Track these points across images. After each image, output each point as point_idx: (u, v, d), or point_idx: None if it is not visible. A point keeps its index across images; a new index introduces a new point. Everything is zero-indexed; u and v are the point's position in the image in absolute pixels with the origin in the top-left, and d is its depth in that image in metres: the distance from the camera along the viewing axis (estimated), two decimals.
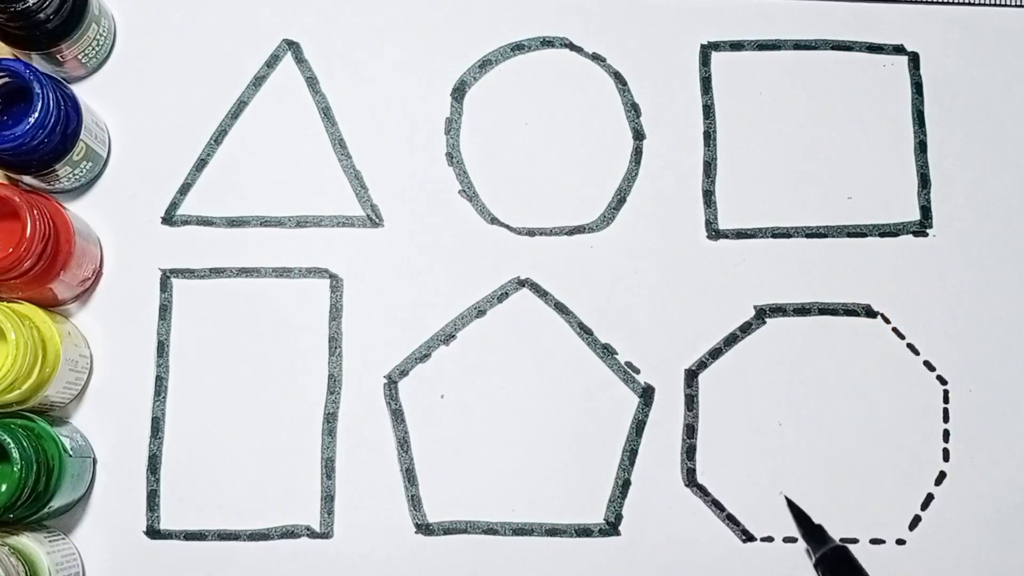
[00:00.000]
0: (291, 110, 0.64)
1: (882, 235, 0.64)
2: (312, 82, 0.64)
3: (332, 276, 0.63)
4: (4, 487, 0.55)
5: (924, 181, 0.64)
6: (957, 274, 0.63)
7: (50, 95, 0.57)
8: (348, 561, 0.60)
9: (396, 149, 0.64)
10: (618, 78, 0.65)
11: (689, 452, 0.61)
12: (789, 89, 0.65)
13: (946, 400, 0.62)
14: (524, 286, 0.63)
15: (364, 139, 0.64)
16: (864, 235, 0.64)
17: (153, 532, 0.60)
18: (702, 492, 0.61)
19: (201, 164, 0.63)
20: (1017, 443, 0.62)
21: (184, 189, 0.63)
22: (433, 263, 0.63)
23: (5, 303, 0.57)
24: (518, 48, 0.65)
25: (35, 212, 0.56)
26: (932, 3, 0.66)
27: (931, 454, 0.62)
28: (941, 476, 0.61)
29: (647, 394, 0.62)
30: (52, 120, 0.57)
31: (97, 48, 0.62)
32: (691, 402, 0.62)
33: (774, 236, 0.63)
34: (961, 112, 0.65)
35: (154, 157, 0.63)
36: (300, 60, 0.64)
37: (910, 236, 0.64)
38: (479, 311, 0.62)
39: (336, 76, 0.64)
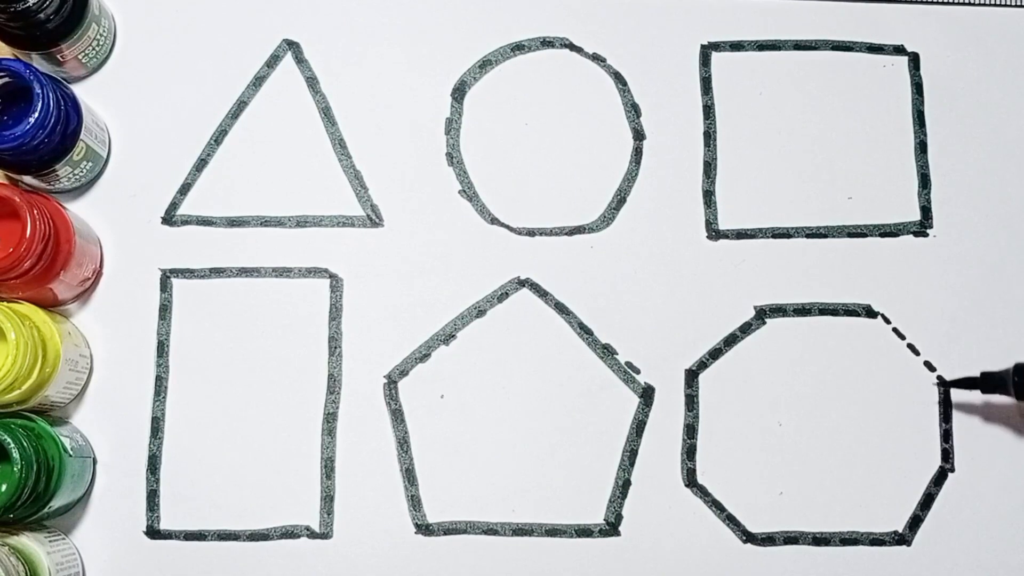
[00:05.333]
0: (291, 110, 0.64)
1: (882, 235, 0.64)
2: (312, 82, 0.64)
3: (332, 276, 0.63)
4: (4, 487, 0.55)
5: (924, 181, 0.64)
6: (957, 274, 0.63)
7: (50, 95, 0.57)
8: (348, 561, 0.60)
9: (396, 149, 0.64)
10: (618, 78, 0.65)
11: (689, 452, 0.61)
12: (789, 89, 0.65)
13: (946, 400, 0.62)
14: (524, 286, 0.63)
15: (364, 139, 0.64)
16: (864, 235, 0.63)
17: (153, 532, 0.60)
18: (702, 492, 0.61)
19: (201, 164, 0.63)
20: (1017, 443, 0.62)
21: (184, 189, 0.63)
22: (433, 263, 0.63)
23: (5, 303, 0.57)
24: (518, 48, 0.65)
25: (35, 212, 0.56)
26: (932, 3, 0.66)
27: (931, 454, 0.62)
28: (941, 476, 0.61)
29: (647, 394, 0.62)
30: (52, 120, 0.57)
31: (97, 48, 0.62)
32: (691, 402, 0.62)
33: (774, 236, 0.63)
34: (961, 112, 0.65)
35: (154, 157, 0.63)
36: (300, 60, 0.64)
37: (910, 236, 0.64)
38: (479, 311, 0.62)
39: (336, 76, 0.64)
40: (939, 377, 0.62)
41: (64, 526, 0.60)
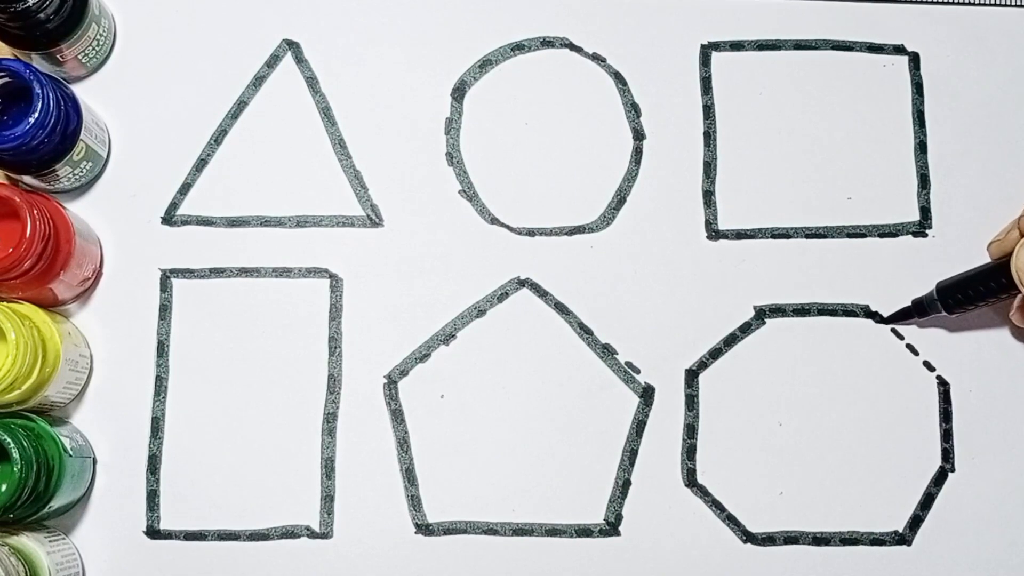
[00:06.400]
0: (291, 110, 0.64)
1: (882, 235, 0.64)
2: (312, 82, 0.64)
3: (332, 276, 0.63)
4: (4, 487, 0.55)
5: (924, 181, 0.64)
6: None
7: (50, 95, 0.57)
8: (348, 561, 0.60)
9: (396, 149, 0.64)
10: (618, 78, 0.65)
11: (689, 452, 0.61)
12: (789, 89, 0.65)
13: (946, 400, 0.62)
14: (524, 286, 0.63)
15: (364, 139, 0.64)
16: (864, 235, 0.64)
17: (153, 532, 0.60)
18: (702, 492, 0.61)
19: (201, 164, 0.63)
20: (1017, 443, 0.62)
21: (184, 189, 0.63)
22: (433, 263, 0.63)
23: (5, 303, 0.57)
24: (518, 48, 0.65)
25: (35, 212, 0.56)
26: (932, 3, 0.66)
27: (931, 454, 0.62)
28: (941, 476, 0.61)
29: (647, 394, 0.62)
30: (52, 120, 0.57)
31: (97, 48, 0.62)
32: (691, 402, 0.62)
33: (774, 236, 0.63)
34: (961, 112, 0.65)
35: (154, 157, 0.63)
36: (300, 60, 0.64)
37: (910, 236, 0.64)
38: (479, 311, 0.62)
39: (336, 76, 0.64)
40: (880, 317, 0.63)
41: (64, 526, 0.60)
